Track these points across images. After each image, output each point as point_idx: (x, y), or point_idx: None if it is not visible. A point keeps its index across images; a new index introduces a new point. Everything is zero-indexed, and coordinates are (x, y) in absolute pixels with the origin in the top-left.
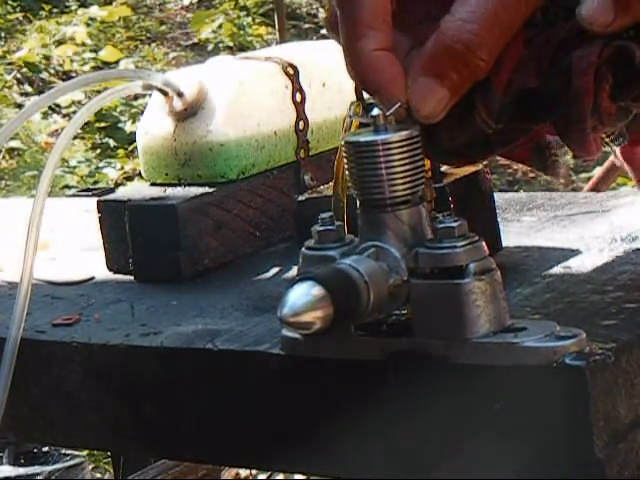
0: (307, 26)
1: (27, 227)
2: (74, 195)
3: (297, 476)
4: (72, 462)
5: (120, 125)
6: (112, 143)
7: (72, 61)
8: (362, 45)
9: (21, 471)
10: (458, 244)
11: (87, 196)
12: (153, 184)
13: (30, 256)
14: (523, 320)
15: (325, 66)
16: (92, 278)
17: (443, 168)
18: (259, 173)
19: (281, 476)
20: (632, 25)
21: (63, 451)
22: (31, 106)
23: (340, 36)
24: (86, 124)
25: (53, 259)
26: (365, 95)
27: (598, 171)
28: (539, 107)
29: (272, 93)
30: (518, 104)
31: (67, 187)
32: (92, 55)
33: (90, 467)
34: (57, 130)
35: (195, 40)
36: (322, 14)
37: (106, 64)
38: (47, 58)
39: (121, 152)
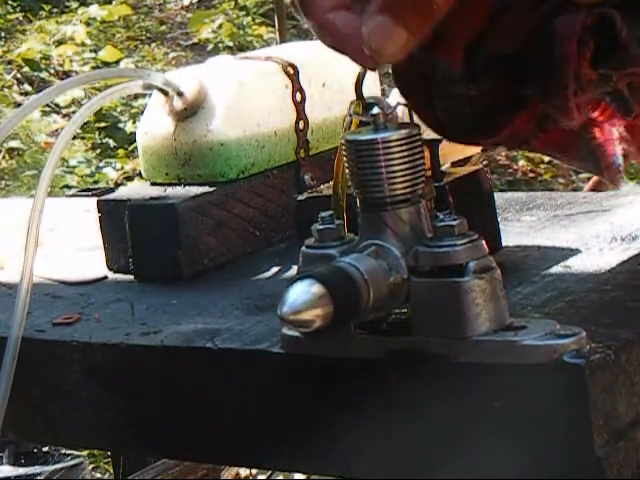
0: (307, 26)
1: (27, 226)
2: (74, 195)
3: (297, 476)
4: (72, 462)
5: (120, 125)
6: (112, 143)
7: (72, 61)
8: (315, 12)
9: (21, 471)
10: (458, 242)
11: (87, 196)
12: (153, 184)
13: (30, 255)
14: (523, 319)
15: (325, 66)
16: (105, 277)
17: (443, 167)
18: (259, 173)
19: (281, 476)
20: None
21: (63, 451)
22: (30, 103)
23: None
24: (86, 124)
25: (53, 259)
26: (365, 94)
27: None
28: (522, 72)
29: (272, 93)
30: (499, 69)
31: (67, 187)
32: (92, 55)
33: (90, 467)
34: (57, 130)
35: (195, 40)
36: None
37: (106, 64)
38: (47, 58)
39: (121, 152)
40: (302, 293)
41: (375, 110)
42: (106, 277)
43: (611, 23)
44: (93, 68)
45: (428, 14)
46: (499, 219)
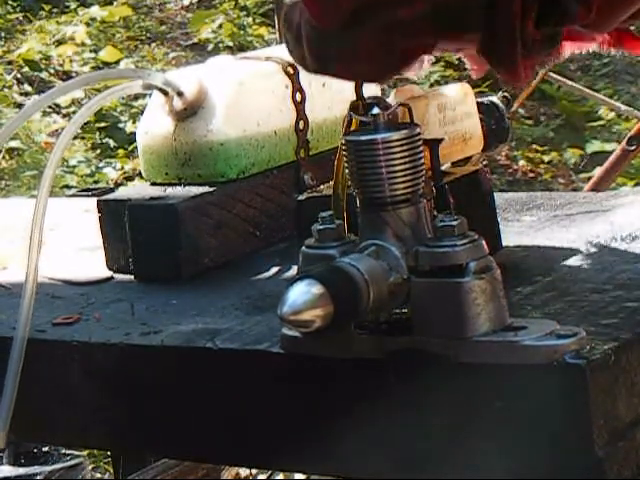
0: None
1: (29, 227)
2: (74, 195)
3: (297, 476)
4: (72, 462)
5: (120, 125)
6: (112, 143)
7: (72, 61)
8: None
9: (21, 471)
10: (458, 243)
11: (87, 196)
12: (153, 184)
13: (34, 256)
14: (523, 319)
15: None
16: (111, 278)
17: (444, 168)
18: (259, 173)
19: (281, 476)
20: None
21: (63, 451)
22: (31, 106)
23: None
24: (86, 124)
25: (54, 259)
26: (365, 94)
27: (598, 171)
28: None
29: (272, 93)
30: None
31: (67, 187)
32: (92, 55)
33: (90, 467)
34: (57, 130)
35: (195, 40)
36: None
37: (106, 64)
38: (47, 58)
39: (121, 152)
40: (302, 293)
41: (375, 110)
42: (112, 277)
43: None
44: (93, 68)
45: None
46: (499, 219)
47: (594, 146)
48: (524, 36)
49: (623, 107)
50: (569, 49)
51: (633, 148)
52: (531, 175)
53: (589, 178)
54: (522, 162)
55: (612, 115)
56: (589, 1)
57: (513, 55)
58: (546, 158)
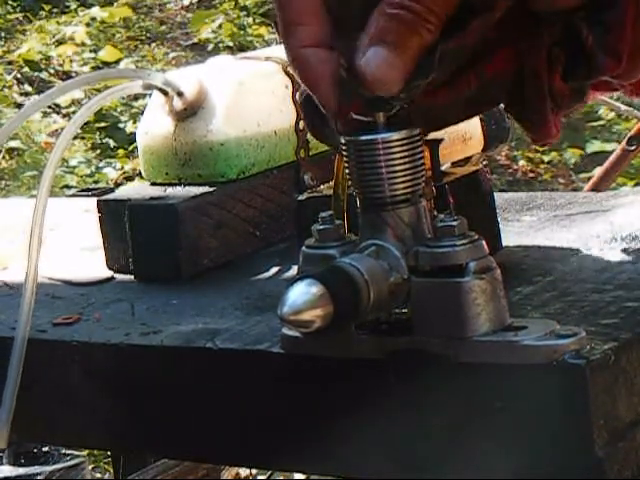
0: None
1: (30, 226)
2: (74, 195)
3: (297, 476)
4: (72, 462)
5: (120, 125)
6: (112, 143)
7: (72, 61)
8: (291, 43)
9: (21, 471)
10: (458, 243)
11: (87, 196)
12: (153, 184)
13: (34, 256)
14: (523, 319)
15: None
16: (112, 278)
17: (444, 167)
18: (259, 173)
19: (281, 476)
20: (580, 6)
21: (63, 451)
22: (31, 106)
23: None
24: (86, 124)
25: (54, 259)
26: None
27: (598, 171)
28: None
29: (272, 93)
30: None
31: (67, 187)
32: (92, 55)
33: (90, 467)
34: (57, 130)
35: (195, 40)
36: None
37: (106, 64)
38: (47, 58)
39: (121, 152)
40: (302, 293)
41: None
42: (112, 278)
43: (577, 32)
44: (93, 68)
45: (421, 39)
46: (499, 219)
47: (594, 146)
48: (552, 92)
49: (623, 107)
50: (594, 95)
51: (633, 148)
52: (531, 175)
53: (589, 178)
54: (522, 162)
55: (612, 115)
56: (618, 52)
57: (543, 112)
58: (546, 158)
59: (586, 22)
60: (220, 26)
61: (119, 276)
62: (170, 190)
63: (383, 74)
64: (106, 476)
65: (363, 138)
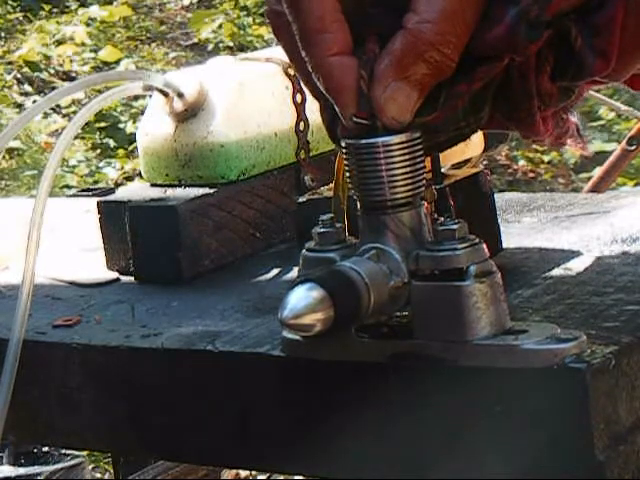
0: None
1: (28, 227)
2: (74, 195)
3: (297, 477)
4: (72, 462)
5: (120, 125)
6: (112, 143)
7: (72, 61)
8: (314, 52)
9: (21, 471)
10: (459, 246)
11: (87, 196)
12: (153, 185)
13: (32, 258)
14: (524, 322)
15: None
16: (112, 279)
17: (444, 170)
18: (259, 174)
19: (281, 477)
20: (571, 9)
21: (63, 451)
22: (32, 109)
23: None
24: (86, 124)
25: (54, 260)
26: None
27: (598, 171)
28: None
29: (272, 94)
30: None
31: (67, 187)
32: (92, 55)
33: (90, 467)
34: (57, 130)
35: (195, 40)
36: None
37: (106, 64)
38: (47, 58)
39: (121, 152)
40: (302, 297)
41: None
42: (112, 279)
43: (566, 33)
44: (93, 68)
45: (439, 71)
46: (499, 220)
47: (594, 146)
48: (540, 92)
49: (623, 107)
50: (583, 91)
51: (633, 148)
52: (531, 175)
53: (589, 178)
54: (522, 162)
55: (612, 115)
56: (607, 54)
57: (530, 110)
58: (546, 158)
59: (575, 23)
60: (220, 26)
61: (119, 277)
62: (170, 191)
63: (401, 115)
64: (106, 476)
65: (364, 141)
